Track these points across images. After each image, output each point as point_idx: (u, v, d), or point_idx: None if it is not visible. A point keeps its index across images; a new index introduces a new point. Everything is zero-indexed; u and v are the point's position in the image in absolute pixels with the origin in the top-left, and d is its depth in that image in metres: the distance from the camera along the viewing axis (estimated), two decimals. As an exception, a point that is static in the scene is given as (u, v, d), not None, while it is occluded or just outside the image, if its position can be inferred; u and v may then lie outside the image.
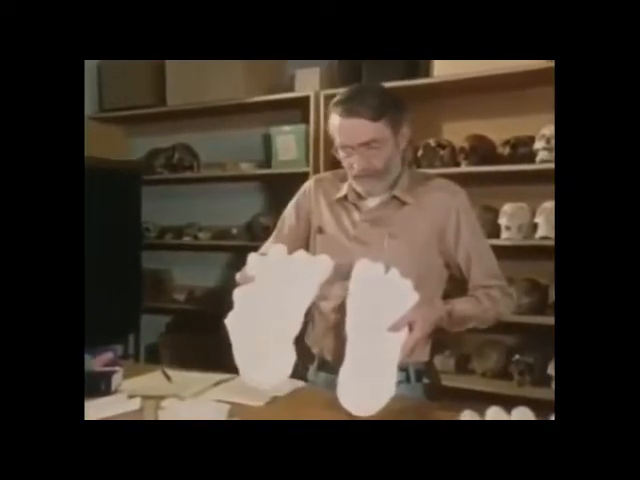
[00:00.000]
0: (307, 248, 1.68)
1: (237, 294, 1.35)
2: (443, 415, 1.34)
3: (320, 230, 1.67)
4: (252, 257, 1.40)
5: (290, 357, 1.32)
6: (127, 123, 3.80)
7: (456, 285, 1.63)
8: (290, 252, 1.39)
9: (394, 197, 1.58)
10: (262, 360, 1.31)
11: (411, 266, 1.54)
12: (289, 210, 1.76)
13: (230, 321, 1.33)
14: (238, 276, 1.38)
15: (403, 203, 1.58)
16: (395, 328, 1.33)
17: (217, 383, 1.58)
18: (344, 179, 1.65)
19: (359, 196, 1.61)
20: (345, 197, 1.63)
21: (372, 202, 1.61)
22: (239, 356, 1.32)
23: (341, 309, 1.57)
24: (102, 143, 3.38)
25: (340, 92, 1.55)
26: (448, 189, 1.60)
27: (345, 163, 1.56)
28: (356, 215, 1.62)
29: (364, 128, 1.48)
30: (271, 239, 1.77)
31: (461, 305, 1.52)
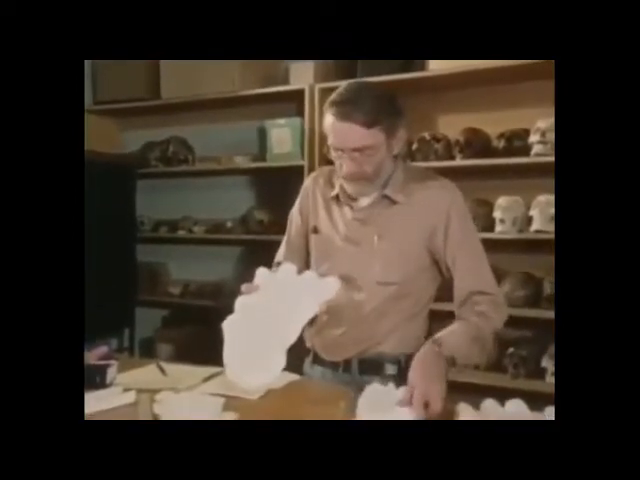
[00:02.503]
0: None
1: (239, 302, 1.36)
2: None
3: (315, 230, 1.65)
4: (260, 271, 1.41)
5: (280, 362, 1.33)
6: (121, 116, 3.78)
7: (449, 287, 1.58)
8: (300, 253, 1.35)
9: (385, 196, 1.55)
10: (252, 362, 1.32)
11: (400, 266, 1.54)
12: (295, 212, 1.74)
13: (227, 324, 1.34)
14: (244, 287, 1.40)
15: (394, 202, 1.55)
16: (403, 404, 1.25)
17: (212, 376, 1.59)
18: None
19: (349, 196, 1.59)
20: (337, 196, 1.62)
21: (364, 201, 1.57)
22: (229, 355, 1.34)
23: (333, 310, 1.57)
24: (96, 136, 3.35)
25: (336, 90, 1.49)
26: (441, 187, 1.56)
27: (336, 163, 1.52)
28: (349, 213, 1.59)
29: (357, 134, 1.43)
30: (283, 244, 1.77)
31: (451, 337, 1.41)
